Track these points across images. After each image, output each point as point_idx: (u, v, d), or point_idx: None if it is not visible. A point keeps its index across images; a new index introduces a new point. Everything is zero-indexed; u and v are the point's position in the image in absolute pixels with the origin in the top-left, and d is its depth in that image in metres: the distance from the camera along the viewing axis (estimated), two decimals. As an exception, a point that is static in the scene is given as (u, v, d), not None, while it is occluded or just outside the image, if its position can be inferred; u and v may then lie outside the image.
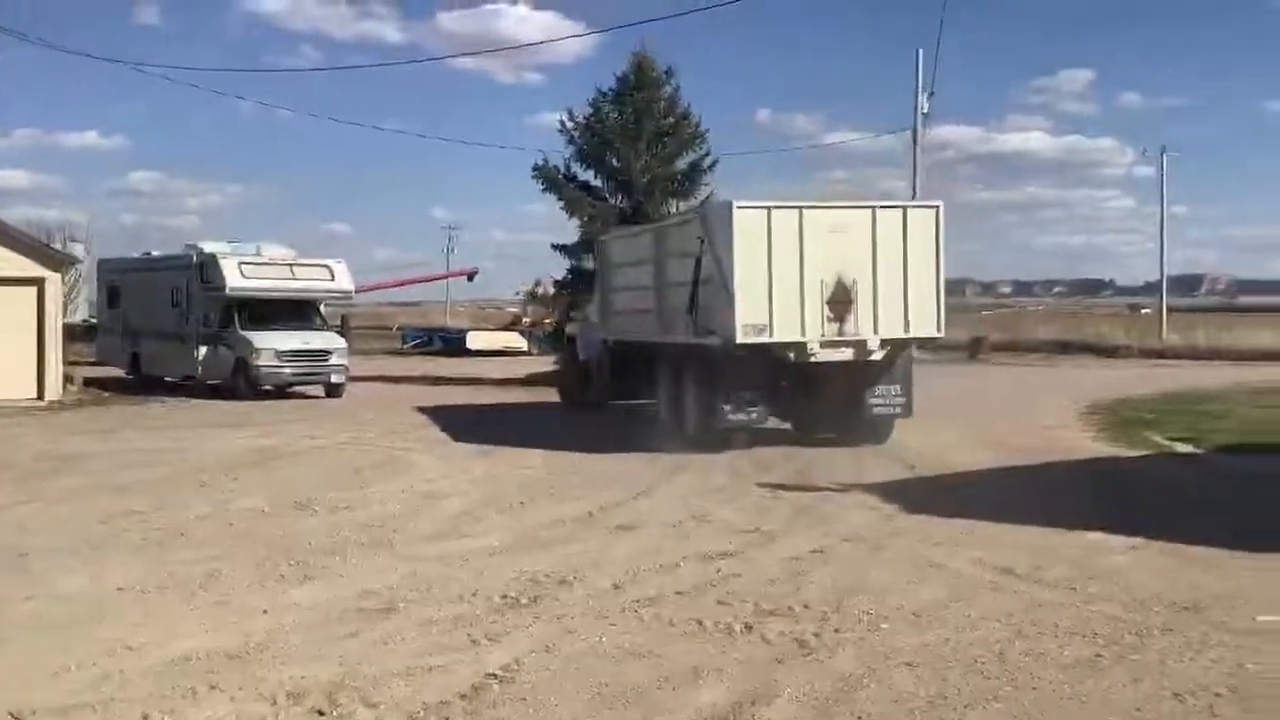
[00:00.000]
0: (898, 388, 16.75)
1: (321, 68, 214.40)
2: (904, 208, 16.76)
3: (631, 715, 5.93)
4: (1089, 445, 17.62)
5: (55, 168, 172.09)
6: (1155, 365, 42.13)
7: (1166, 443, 17.65)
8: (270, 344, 26.04)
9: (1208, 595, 8.21)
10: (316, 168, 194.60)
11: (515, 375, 32.35)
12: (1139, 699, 6.11)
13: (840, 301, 15.85)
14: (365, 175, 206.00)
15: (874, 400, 16.71)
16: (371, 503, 12.39)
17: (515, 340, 51.41)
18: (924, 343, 16.98)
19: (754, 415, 16.52)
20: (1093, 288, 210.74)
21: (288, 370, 26.36)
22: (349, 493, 13.05)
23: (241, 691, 6.19)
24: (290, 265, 28.03)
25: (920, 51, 37.27)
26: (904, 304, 16.05)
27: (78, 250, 43.59)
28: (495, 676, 6.42)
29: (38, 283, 24.93)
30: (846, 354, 16.10)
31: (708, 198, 29.52)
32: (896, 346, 16.43)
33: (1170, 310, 60.09)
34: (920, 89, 38.29)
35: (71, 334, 30.88)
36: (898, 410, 16.95)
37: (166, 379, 28.91)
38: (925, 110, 38.59)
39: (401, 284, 79.63)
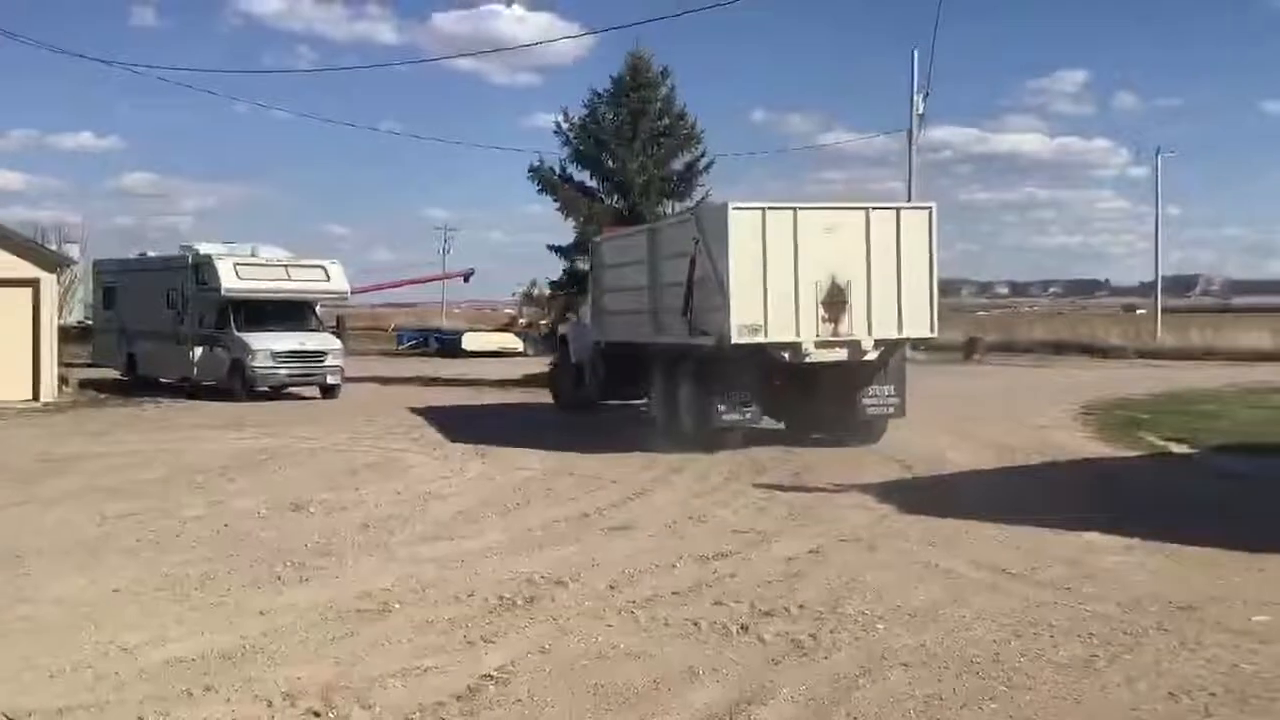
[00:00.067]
0: (891, 388, 16.82)
1: (317, 69, 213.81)
2: (897, 209, 16.80)
3: (627, 716, 5.94)
4: (1084, 446, 17.65)
5: (50, 169, 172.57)
6: (1150, 366, 42.21)
7: (1161, 443, 17.68)
8: (266, 345, 26.02)
9: (1203, 595, 8.23)
10: (312, 169, 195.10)
11: (511, 376, 32.32)
12: (1134, 699, 6.13)
13: (834, 302, 15.90)
14: (361, 176, 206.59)
15: (868, 400, 16.78)
16: (367, 504, 12.39)
17: (511, 341, 51.42)
18: (918, 343, 17.00)
19: (748, 415, 16.60)
20: (1088, 288, 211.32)
21: (283, 371, 26.34)
22: (345, 494, 13.05)
23: (237, 693, 6.19)
24: (286, 266, 27.99)
25: (916, 52, 37.29)
26: (898, 304, 16.10)
27: (73, 251, 43.66)
28: (491, 678, 6.42)
29: (33, 284, 24.90)
30: (841, 354, 16.15)
31: (703, 198, 29.59)
32: (890, 347, 16.48)
33: (1165, 311, 60.34)
34: (916, 89, 38.32)
35: (67, 335, 30.86)
36: (891, 410, 17.02)
37: (162, 380, 28.86)
38: (921, 111, 38.61)
39: (397, 285, 79.77)
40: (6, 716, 5.84)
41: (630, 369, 19.95)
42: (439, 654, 6.90)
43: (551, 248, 30.82)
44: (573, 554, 9.77)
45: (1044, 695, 6.17)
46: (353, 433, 19.39)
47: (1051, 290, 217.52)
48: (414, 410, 23.16)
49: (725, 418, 16.44)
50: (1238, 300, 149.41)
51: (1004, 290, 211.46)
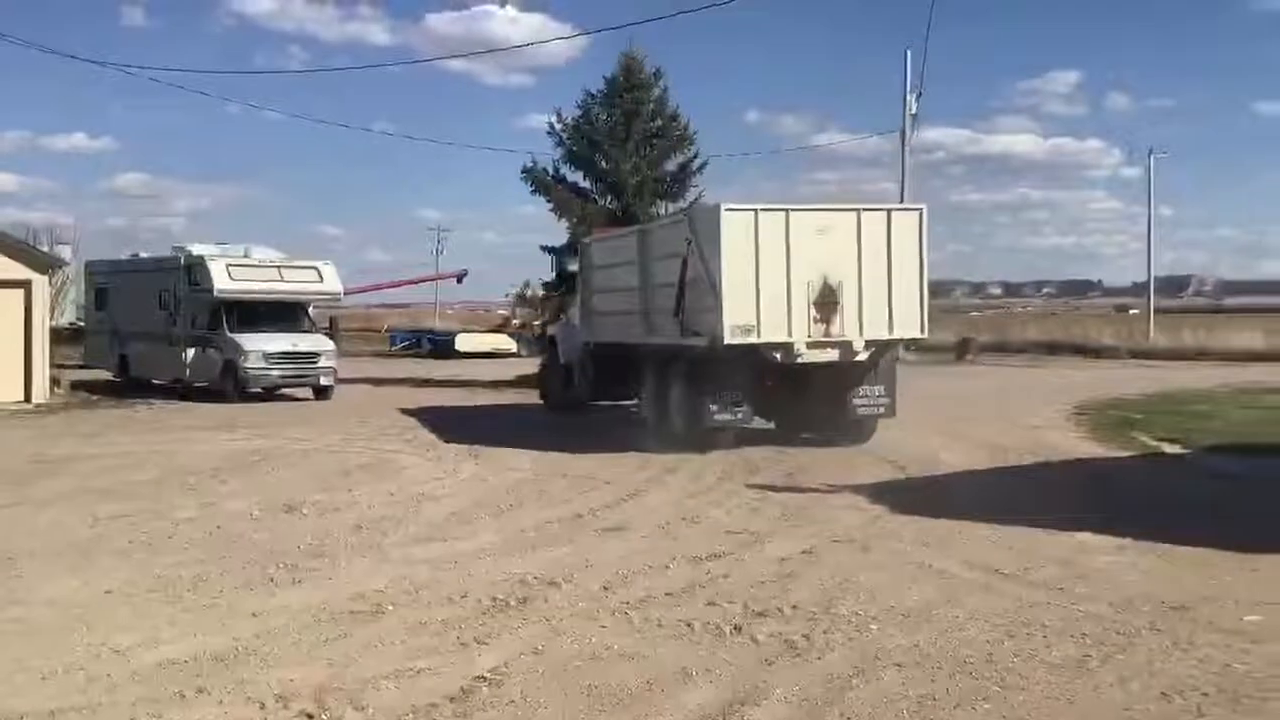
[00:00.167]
0: (882, 388, 16.91)
1: (310, 69, 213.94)
2: (888, 210, 16.87)
3: (621, 717, 5.94)
4: (1077, 446, 17.67)
5: (42, 170, 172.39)
6: (1143, 366, 42.28)
7: (1154, 443, 17.71)
8: (258, 346, 25.98)
9: (1195, 595, 8.24)
10: (305, 169, 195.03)
11: (504, 377, 32.31)
12: (1127, 699, 6.13)
13: (826, 303, 15.96)
14: (354, 177, 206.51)
15: (858, 400, 16.86)
16: (360, 505, 12.37)
17: (504, 342, 51.36)
18: (909, 344, 17.08)
19: (740, 415, 16.65)
20: (1081, 289, 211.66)
21: (276, 372, 26.30)
22: (338, 495, 13.03)
23: (230, 695, 6.18)
24: (279, 267, 27.94)
25: (909, 52, 37.35)
26: (888, 305, 16.18)
27: (65, 252, 43.58)
28: (484, 679, 6.42)
29: (24, 285, 24.83)
30: (832, 355, 16.22)
31: (696, 199, 29.58)
32: (881, 347, 16.57)
33: (1158, 311, 60.39)
34: (909, 90, 38.39)
35: (59, 337, 30.78)
36: (882, 411, 17.10)
37: (154, 381, 28.80)
38: (914, 111, 38.70)
39: (390, 286, 79.67)
40: (-2, 719, 5.83)
41: (620, 369, 19.99)
42: (432, 655, 6.89)
43: (545, 248, 30.81)
44: (566, 555, 9.76)
45: (1037, 695, 6.18)
46: (346, 434, 19.37)
47: (1045, 291, 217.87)
48: (407, 411, 23.14)
49: (717, 418, 16.49)
50: (1230, 301, 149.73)
51: (997, 291, 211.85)
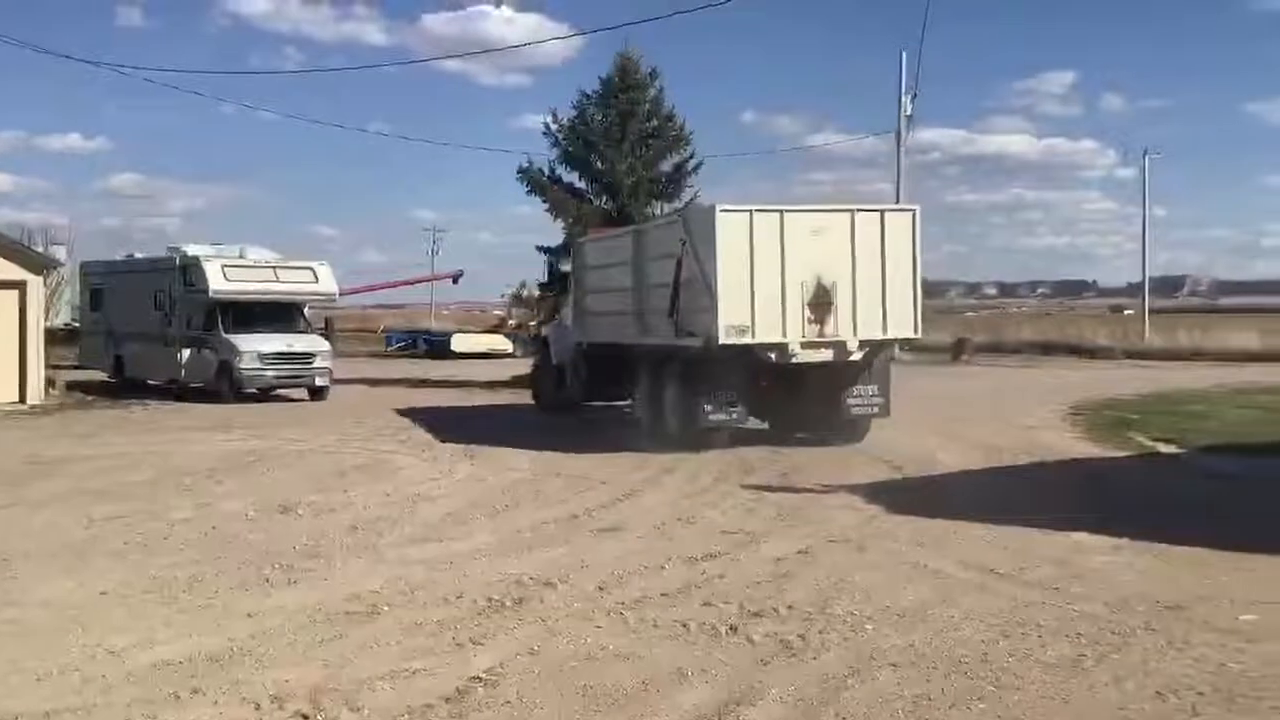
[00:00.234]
0: (875, 388, 16.96)
1: (305, 69, 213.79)
2: (881, 211, 16.92)
3: (616, 718, 5.93)
4: (1073, 446, 17.69)
5: (37, 170, 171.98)
6: (1138, 366, 42.33)
7: (1149, 443, 17.73)
8: (254, 347, 25.96)
9: (1190, 595, 8.26)
10: (300, 170, 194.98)
11: (500, 378, 32.29)
12: (1122, 698, 6.14)
13: (820, 303, 16.02)
14: (349, 177, 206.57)
15: (852, 400, 16.92)
16: (356, 506, 12.36)
17: (500, 342, 51.36)
18: (903, 344, 17.14)
19: (735, 415, 16.72)
20: (1076, 289, 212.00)
21: (271, 373, 26.27)
22: (333, 496, 13.02)
23: (225, 695, 6.17)
24: (274, 268, 27.92)
25: (904, 53, 37.35)
26: (882, 306, 16.27)
27: (60, 253, 43.52)
28: (480, 679, 6.42)
29: (19, 286, 24.80)
30: (826, 355, 16.27)
31: (692, 200, 29.59)
32: (875, 347, 16.61)
33: (1152, 311, 60.45)
34: (904, 90, 38.39)
35: (54, 337, 30.74)
36: (875, 410, 17.15)
37: (150, 382, 28.77)
38: (909, 112, 38.65)
39: (386, 286, 79.61)
40: (-7, 720, 5.82)
41: (613, 370, 20.04)
42: (427, 656, 6.89)
43: (541, 249, 30.80)
44: (562, 555, 9.76)
45: (1032, 695, 6.18)
46: (341, 434, 19.35)
47: (1039, 291, 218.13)
48: (403, 412, 23.14)
49: (712, 418, 16.54)
50: (1225, 301, 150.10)
51: (992, 291, 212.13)
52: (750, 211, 16.09)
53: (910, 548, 10.01)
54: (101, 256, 35.24)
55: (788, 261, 15.87)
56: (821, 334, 16.09)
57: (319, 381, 26.78)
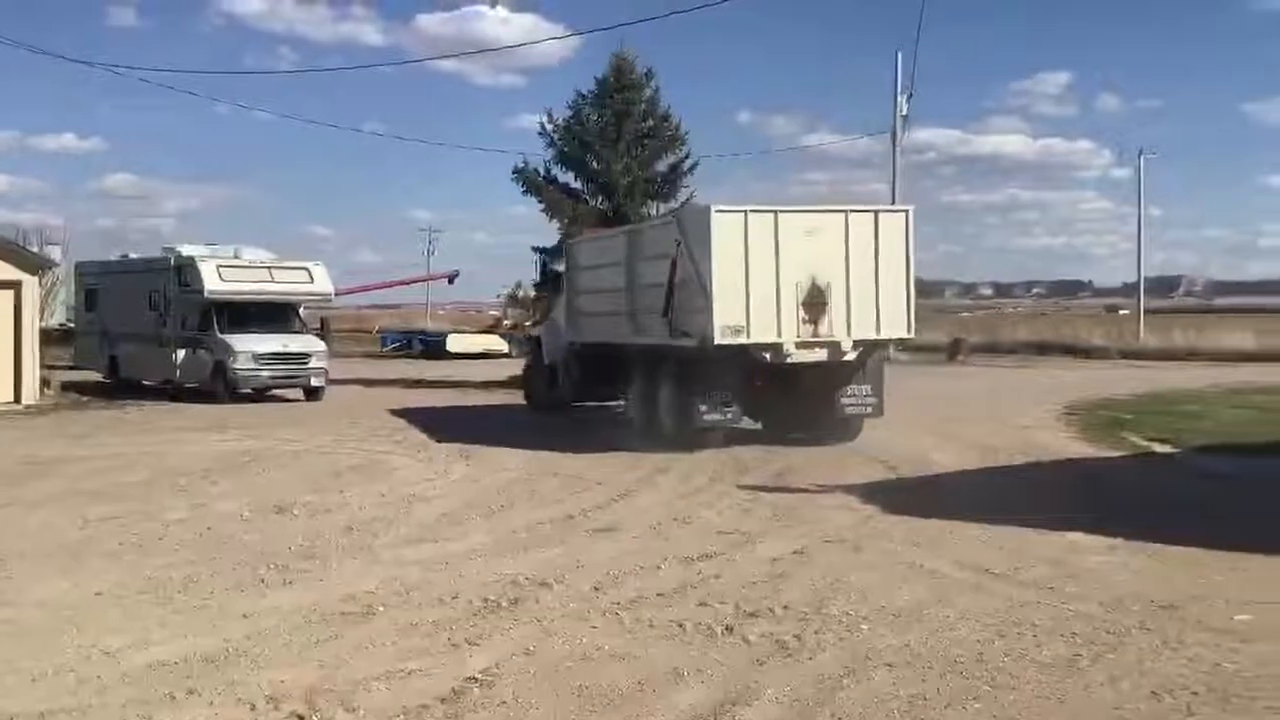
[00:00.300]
0: (869, 387, 17.03)
1: (300, 69, 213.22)
2: (875, 212, 17.00)
3: (612, 718, 5.93)
4: (1068, 446, 17.71)
5: (32, 170, 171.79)
6: (1133, 366, 42.37)
7: (1144, 443, 17.75)
8: (249, 347, 25.93)
9: (1185, 595, 8.27)
10: (295, 170, 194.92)
11: (495, 378, 32.27)
12: (1117, 698, 6.15)
13: (814, 303, 16.07)
14: (345, 178, 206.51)
15: (846, 400, 16.99)
16: (351, 506, 12.35)
17: (496, 343, 51.32)
18: (898, 344, 17.22)
19: (729, 415, 16.76)
20: (1071, 289, 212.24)
21: (266, 373, 26.24)
22: (329, 496, 13.01)
23: (220, 696, 6.16)
24: (269, 268, 27.89)
25: (900, 53, 37.37)
26: (876, 306, 16.36)
27: (54, 253, 43.44)
28: (475, 680, 6.41)
29: (14, 286, 24.77)
30: (821, 355, 16.33)
31: (688, 200, 29.61)
32: (869, 347, 16.71)
33: (1148, 311, 60.61)
34: (899, 91, 38.40)
35: (48, 338, 30.69)
36: (869, 410, 17.22)
37: (144, 383, 28.72)
38: (905, 112, 38.74)
39: (381, 287, 79.57)
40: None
41: (605, 370, 20.08)
42: (423, 656, 6.88)
43: (536, 249, 30.79)
44: (557, 556, 9.76)
45: (1027, 695, 6.19)
46: (337, 435, 19.34)
47: (1035, 291, 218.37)
48: (398, 412, 23.12)
49: (707, 418, 16.58)
50: (1220, 301, 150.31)
51: (988, 291, 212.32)
52: (745, 212, 16.13)
53: (906, 548, 10.01)
54: (96, 257, 35.24)
55: (782, 262, 15.91)
56: (816, 334, 16.15)
57: (314, 382, 26.76)
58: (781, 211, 16.36)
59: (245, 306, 26.73)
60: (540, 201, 30.63)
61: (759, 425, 18.09)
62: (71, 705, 6.02)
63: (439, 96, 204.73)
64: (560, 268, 23.15)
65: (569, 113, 30.69)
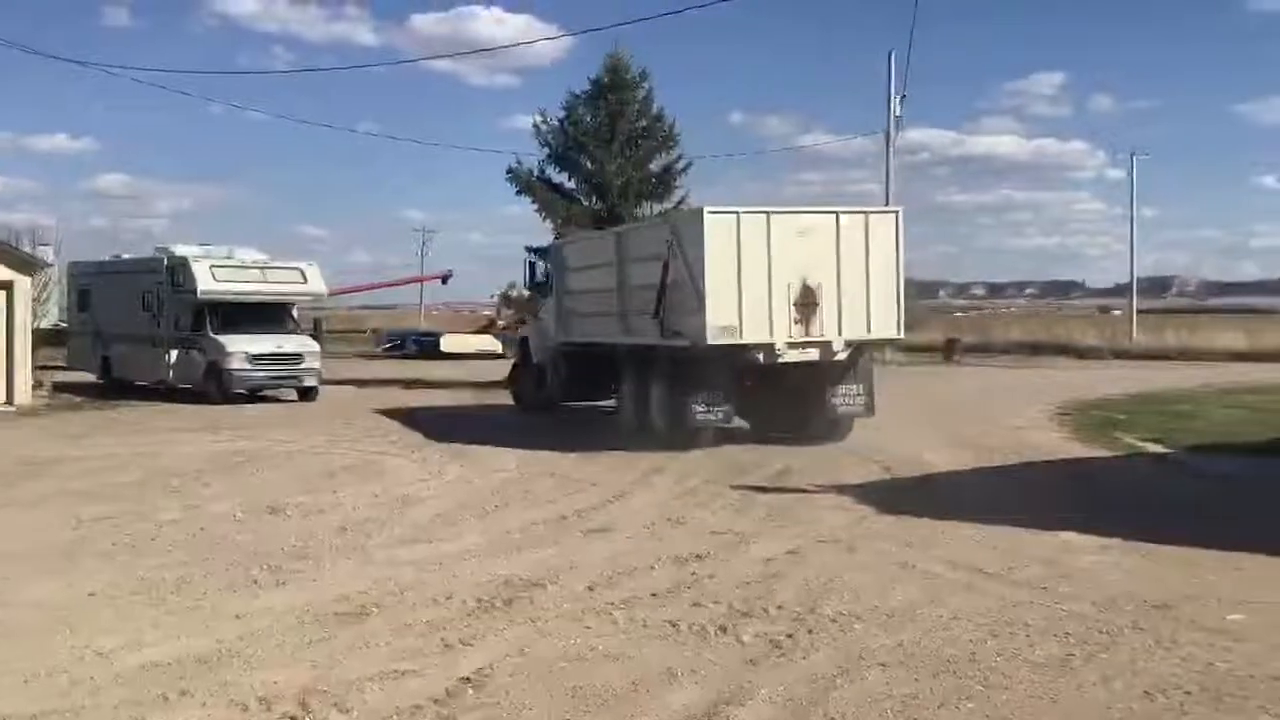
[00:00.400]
0: (859, 387, 17.15)
1: (294, 69, 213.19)
2: (866, 213, 17.12)
3: (606, 718, 5.93)
4: (1061, 446, 17.74)
5: (24, 170, 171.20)
6: (1126, 366, 42.45)
7: (1137, 443, 17.78)
8: (242, 348, 25.89)
9: (1178, 594, 8.28)
10: (289, 170, 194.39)
11: (489, 378, 32.25)
12: (1110, 698, 6.16)
13: (806, 304, 16.19)
14: (338, 178, 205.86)
15: (837, 400, 17.11)
16: (345, 506, 12.34)
17: (490, 343, 51.27)
18: (887, 344, 17.33)
19: (721, 415, 16.84)
20: (1064, 289, 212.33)
21: (260, 374, 26.21)
22: (322, 497, 13.00)
23: (213, 697, 6.16)
24: (262, 268, 27.87)
25: (893, 54, 37.39)
26: (866, 306, 16.48)
27: (47, 253, 43.21)
28: (469, 680, 6.41)
29: (6, 286, 24.73)
30: (812, 354, 16.44)
31: (681, 200, 29.61)
32: (859, 347, 16.82)
33: (1140, 312, 60.63)
34: (893, 91, 38.43)
35: (41, 338, 30.61)
36: (860, 409, 17.33)
37: (138, 383, 28.65)
38: (898, 113, 38.76)
39: (375, 287, 79.47)
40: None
41: (594, 370, 20.17)
42: (417, 657, 6.88)
43: (530, 249, 30.73)
44: (551, 556, 9.76)
45: (1020, 695, 6.20)
46: (330, 435, 19.32)
47: (1028, 291, 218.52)
48: (392, 412, 23.11)
49: (699, 418, 16.65)
50: (1213, 301, 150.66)
51: (981, 291, 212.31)
52: (737, 213, 16.23)
53: (899, 548, 10.02)
54: (89, 257, 35.10)
55: (774, 263, 16.02)
56: (807, 334, 16.27)
57: (308, 382, 26.72)
58: (773, 213, 16.47)
59: (238, 307, 26.68)
60: (534, 202, 30.57)
61: (749, 425, 18.11)
62: (64, 706, 6.01)
63: (433, 96, 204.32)
64: (547, 267, 23.12)
65: (563, 113, 30.63)
